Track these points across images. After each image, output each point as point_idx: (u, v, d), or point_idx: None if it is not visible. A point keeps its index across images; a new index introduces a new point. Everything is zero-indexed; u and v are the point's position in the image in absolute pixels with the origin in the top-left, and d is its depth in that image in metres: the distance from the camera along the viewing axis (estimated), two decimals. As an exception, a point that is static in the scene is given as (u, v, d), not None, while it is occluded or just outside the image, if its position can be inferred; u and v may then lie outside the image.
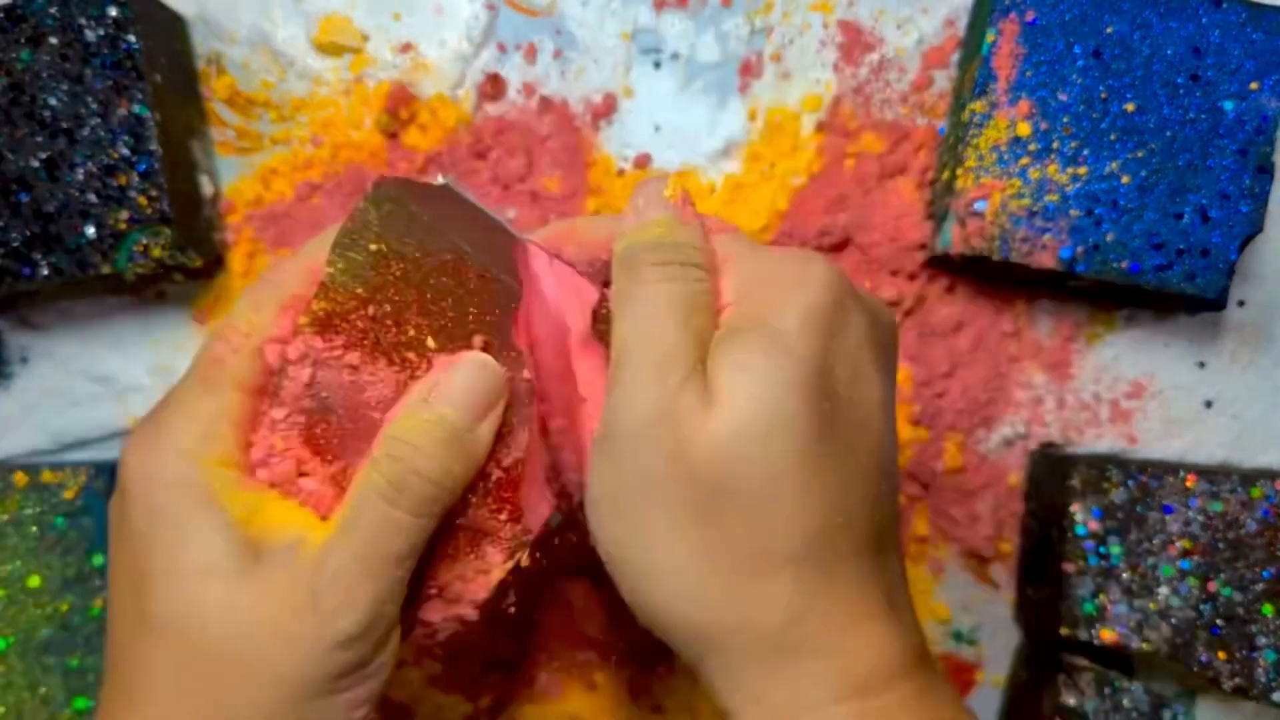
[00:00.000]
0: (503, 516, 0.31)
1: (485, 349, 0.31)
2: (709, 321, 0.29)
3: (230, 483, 0.29)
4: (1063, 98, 0.41)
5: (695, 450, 0.27)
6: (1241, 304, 0.46)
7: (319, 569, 0.28)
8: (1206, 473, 0.41)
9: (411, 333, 0.30)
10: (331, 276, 0.30)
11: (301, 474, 0.31)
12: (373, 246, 0.30)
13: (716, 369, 0.28)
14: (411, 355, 0.30)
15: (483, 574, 0.31)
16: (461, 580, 0.31)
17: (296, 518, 0.30)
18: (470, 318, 0.31)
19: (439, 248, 0.30)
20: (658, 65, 0.45)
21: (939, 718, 0.29)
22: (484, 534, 0.31)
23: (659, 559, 0.28)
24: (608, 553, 0.30)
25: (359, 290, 0.30)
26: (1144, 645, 0.41)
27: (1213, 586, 0.41)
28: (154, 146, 0.41)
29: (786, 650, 0.28)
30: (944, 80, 0.45)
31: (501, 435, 0.31)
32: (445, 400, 0.29)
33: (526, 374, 0.31)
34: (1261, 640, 0.41)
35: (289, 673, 0.28)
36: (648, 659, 0.46)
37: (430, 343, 0.30)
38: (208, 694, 0.28)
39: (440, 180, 0.34)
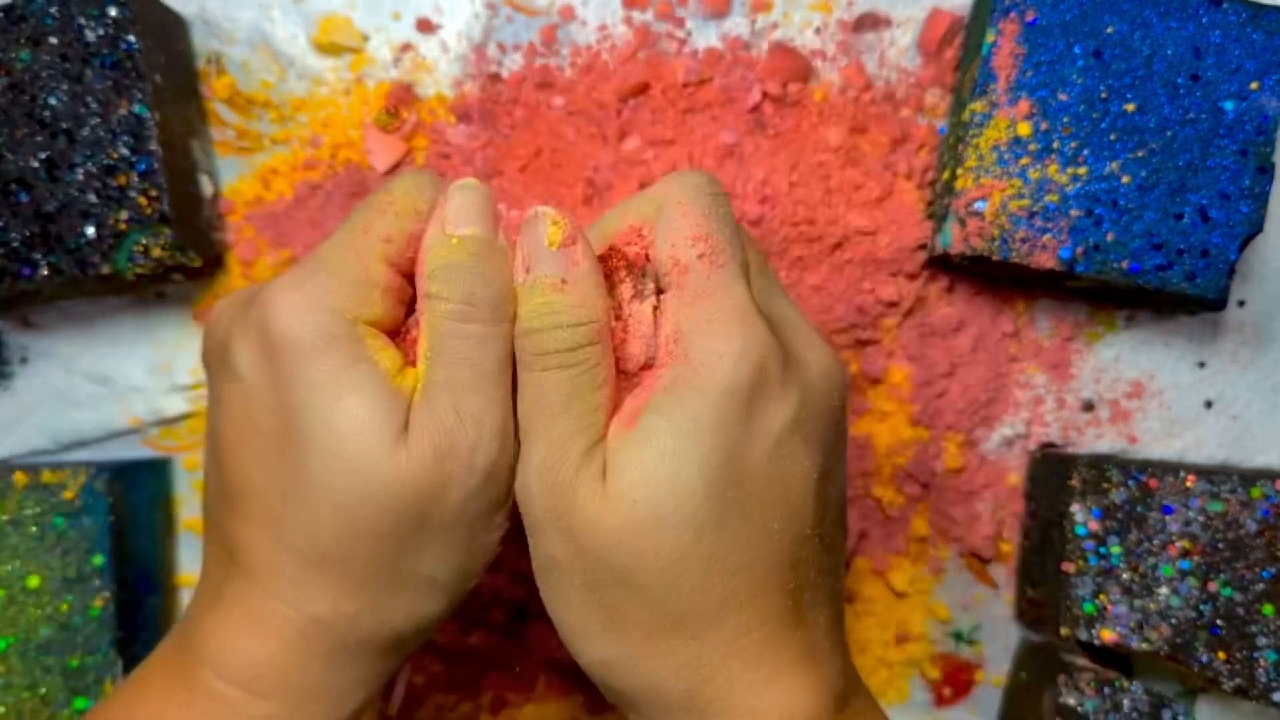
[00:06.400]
0: None
1: None
2: (599, 394, 0.29)
3: (376, 337, 0.30)
4: (1063, 98, 0.41)
5: (590, 540, 0.28)
6: (1241, 304, 0.46)
7: (447, 411, 0.29)
8: (1206, 473, 0.41)
9: None
10: None
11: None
12: None
13: (619, 455, 0.28)
14: None
15: None
16: None
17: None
18: None
19: None
20: (658, 65, 0.45)
21: None
22: None
23: (577, 626, 0.30)
24: (548, 610, 0.31)
25: None
26: (1144, 645, 0.41)
27: (1213, 586, 0.41)
28: (154, 146, 0.41)
29: (697, 712, 0.29)
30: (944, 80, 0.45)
31: None
32: (462, 223, 0.30)
33: None
34: (1261, 640, 0.41)
35: (445, 515, 0.29)
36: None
37: None
38: (371, 545, 0.29)
39: None
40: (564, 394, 0.29)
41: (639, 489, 0.27)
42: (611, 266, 0.31)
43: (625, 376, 0.30)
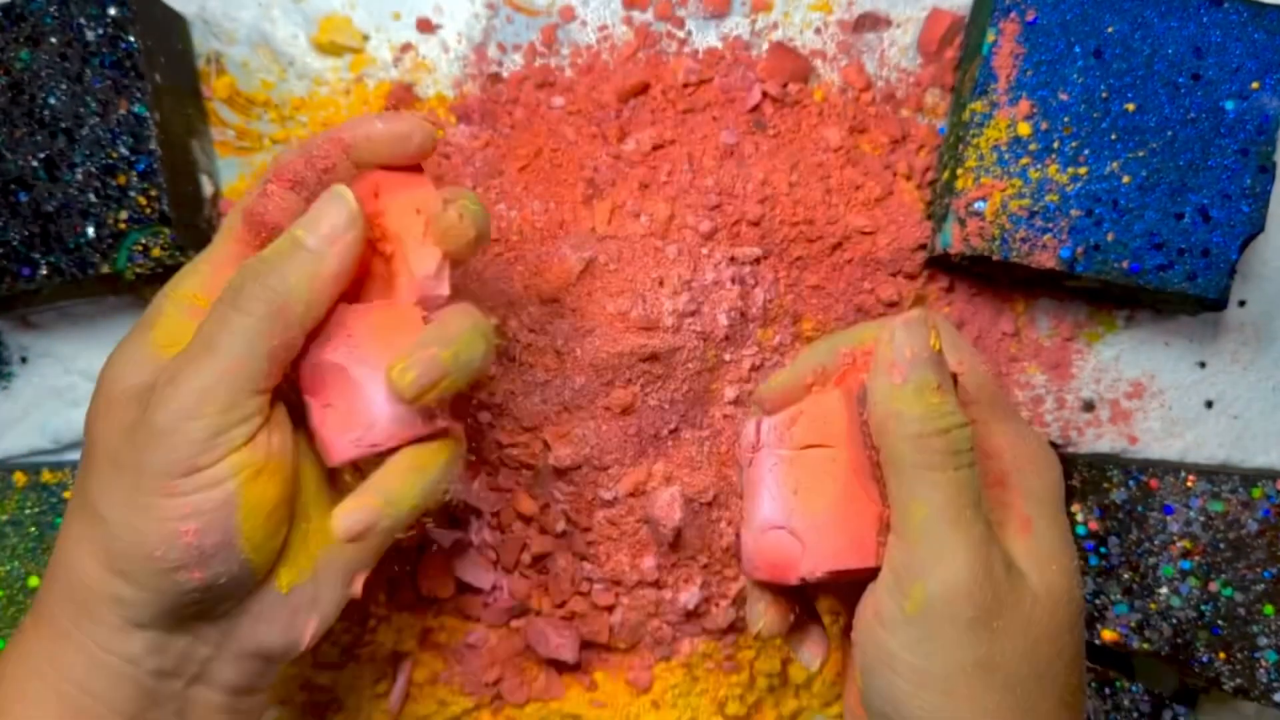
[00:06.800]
0: None
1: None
2: (984, 498, 0.31)
3: (182, 310, 0.33)
4: (1063, 97, 0.41)
5: (1027, 635, 0.30)
6: (1242, 304, 0.46)
7: (153, 361, 0.32)
8: (1207, 473, 0.41)
9: None
10: None
11: None
12: None
13: (1032, 559, 0.32)
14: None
15: None
16: None
17: None
18: None
19: None
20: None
21: None
22: None
23: None
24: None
25: None
26: (1144, 645, 0.41)
27: (1213, 586, 0.41)
28: (154, 146, 0.41)
29: None
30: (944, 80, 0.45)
31: None
32: (301, 224, 0.32)
33: None
34: (1262, 640, 0.41)
35: (107, 444, 0.31)
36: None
37: None
38: (116, 481, 0.31)
39: None
40: (974, 491, 0.31)
41: (1060, 589, 0.31)
42: None
43: None
